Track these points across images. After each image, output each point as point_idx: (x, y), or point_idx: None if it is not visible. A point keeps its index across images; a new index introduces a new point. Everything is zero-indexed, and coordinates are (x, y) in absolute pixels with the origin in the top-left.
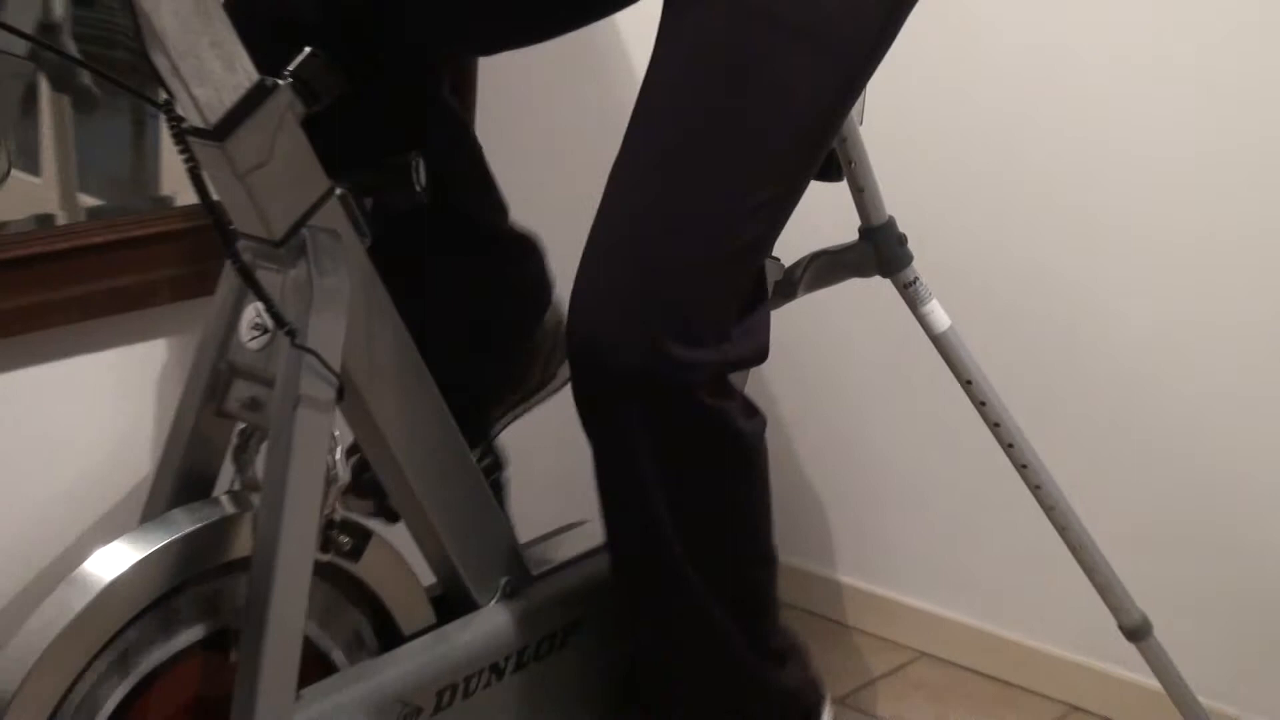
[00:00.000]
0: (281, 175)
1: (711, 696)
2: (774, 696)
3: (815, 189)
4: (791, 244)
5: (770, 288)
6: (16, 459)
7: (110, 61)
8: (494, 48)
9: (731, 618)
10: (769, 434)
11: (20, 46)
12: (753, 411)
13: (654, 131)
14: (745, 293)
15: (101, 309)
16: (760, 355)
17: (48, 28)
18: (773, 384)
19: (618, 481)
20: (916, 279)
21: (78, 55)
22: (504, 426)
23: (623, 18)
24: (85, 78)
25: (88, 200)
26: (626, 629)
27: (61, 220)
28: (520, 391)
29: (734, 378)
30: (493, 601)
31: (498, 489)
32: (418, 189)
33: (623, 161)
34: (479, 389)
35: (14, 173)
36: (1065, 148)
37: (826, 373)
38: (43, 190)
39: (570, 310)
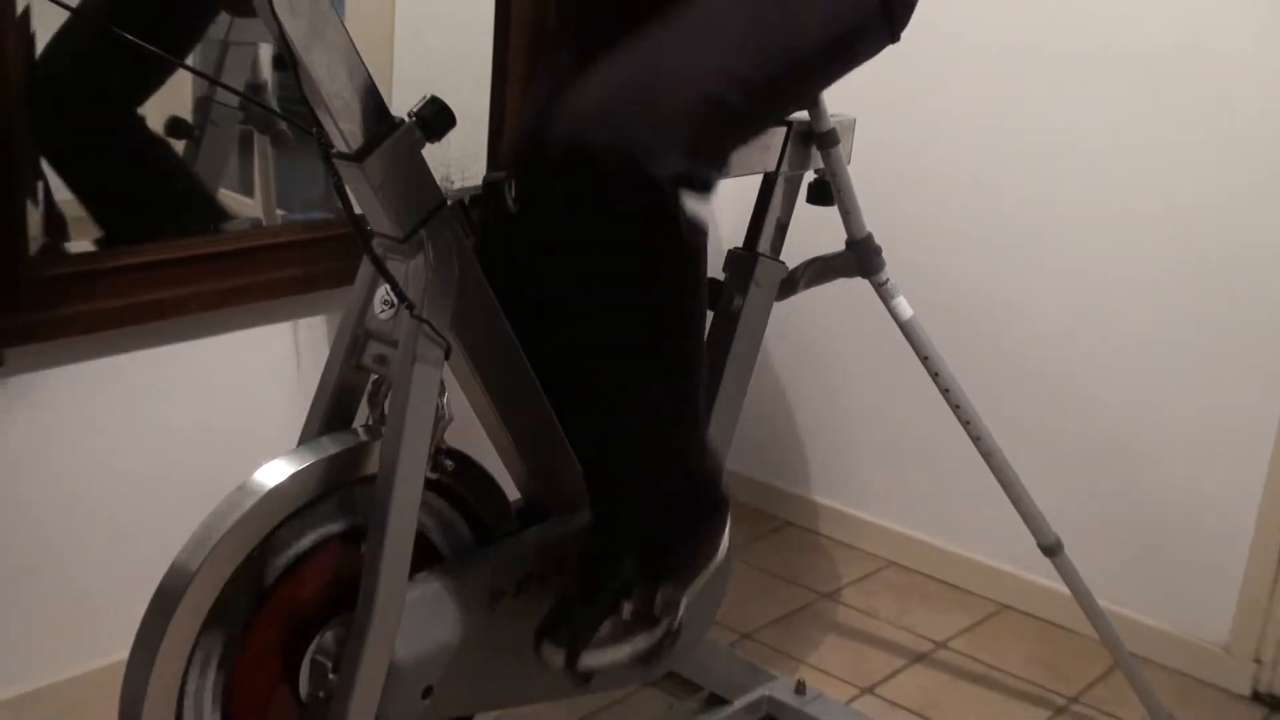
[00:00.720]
0: (405, 189)
1: (642, 451)
2: (695, 474)
3: (813, 211)
4: (795, 252)
5: (776, 282)
6: (222, 397)
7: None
8: None
9: (665, 396)
10: (772, 389)
11: (234, 99)
12: (700, 223)
13: (666, 18)
14: (714, 129)
15: (286, 290)
16: (714, 176)
17: (256, 87)
18: (776, 354)
19: (571, 258)
20: (887, 279)
21: (277, 109)
22: None
23: None
24: (280, 124)
25: (281, 212)
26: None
27: (265, 224)
28: None
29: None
30: (560, 513)
31: None
32: (510, 203)
33: (655, 23)
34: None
35: (233, 193)
36: (1004, 190)
37: (818, 346)
38: (253, 206)
39: (560, 107)
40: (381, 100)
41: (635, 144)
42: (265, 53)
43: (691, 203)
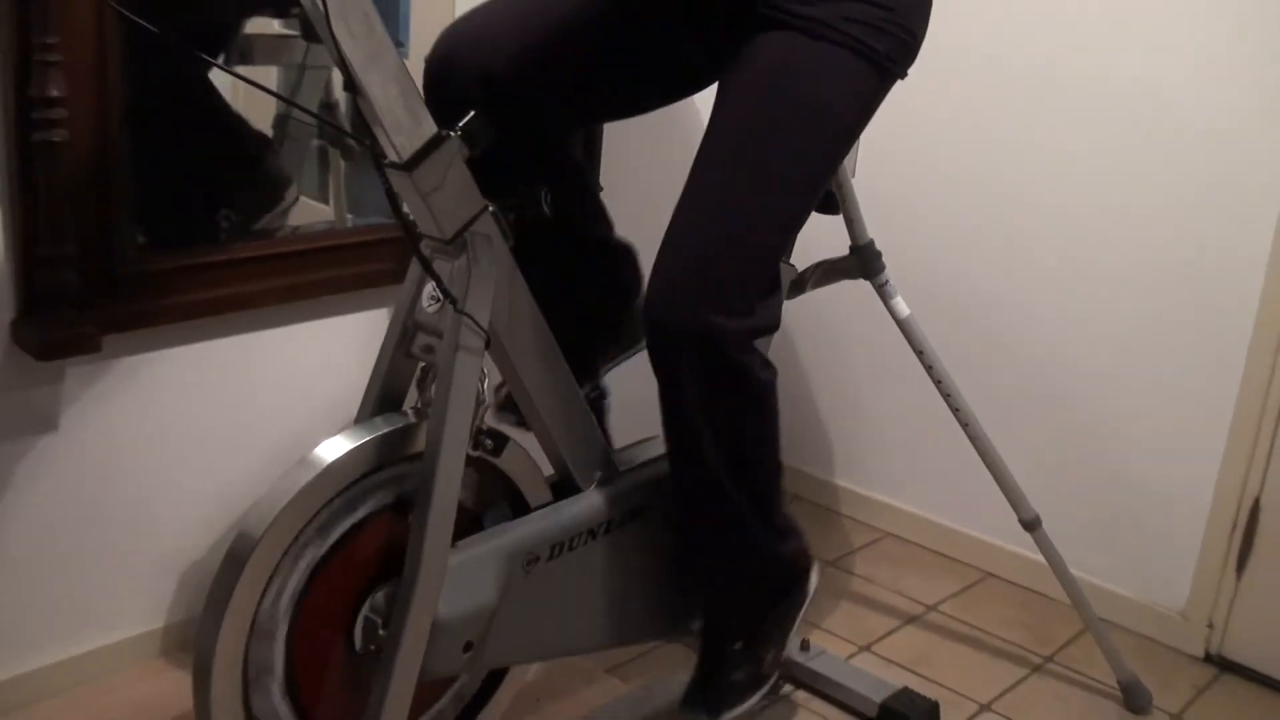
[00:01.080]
0: (451, 196)
1: (735, 561)
2: (780, 559)
3: (820, 220)
4: (803, 255)
5: (786, 285)
6: (291, 379)
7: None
8: (608, 119)
9: (750, 505)
10: (789, 381)
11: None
12: (769, 366)
13: (710, 170)
14: (767, 283)
15: (354, 285)
16: (774, 326)
17: (328, 106)
18: (795, 348)
19: (674, 409)
20: (887, 281)
21: (347, 127)
22: (607, 371)
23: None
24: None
25: (350, 218)
26: (673, 516)
27: (336, 227)
28: (617, 348)
29: (759, 343)
30: (591, 487)
31: (601, 412)
32: (545, 211)
33: (688, 189)
34: (590, 346)
35: (309, 201)
36: (991, 202)
37: (829, 341)
38: (327, 211)
39: (648, 288)
40: (429, 116)
41: (711, 326)
42: (337, 76)
43: (763, 346)
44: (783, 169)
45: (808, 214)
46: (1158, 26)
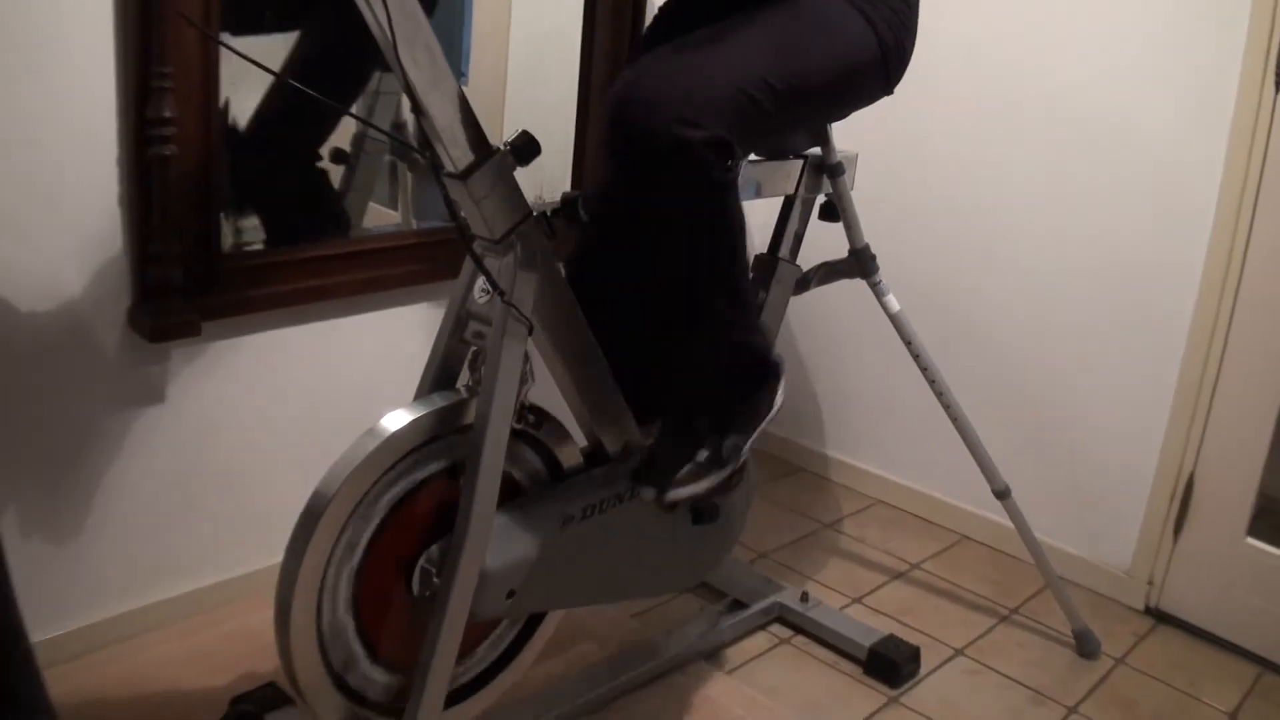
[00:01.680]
0: (500, 202)
1: (705, 336)
2: (751, 348)
3: (823, 227)
4: (807, 258)
5: (791, 284)
6: (361, 361)
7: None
8: None
9: (719, 292)
10: (790, 365)
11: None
12: (727, 170)
13: (715, 28)
14: (733, 124)
15: (416, 280)
16: (729, 155)
17: (398, 125)
18: (797, 338)
19: (641, 205)
20: (880, 280)
21: (414, 143)
22: None
23: None
24: (415, 154)
25: (414, 222)
26: (657, 309)
27: (403, 229)
28: None
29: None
30: (621, 458)
31: None
32: (582, 216)
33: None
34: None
35: (381, 207)
36: (971, 210)
37: (829, 331)
38: (396, 217)
39: (614, 88)
40: (482, 132)
41: (672, 118)
42: (405, 100)
43: (718, 162)
44: (784, 54)
45: (799, 115)
46: (1114, 68)
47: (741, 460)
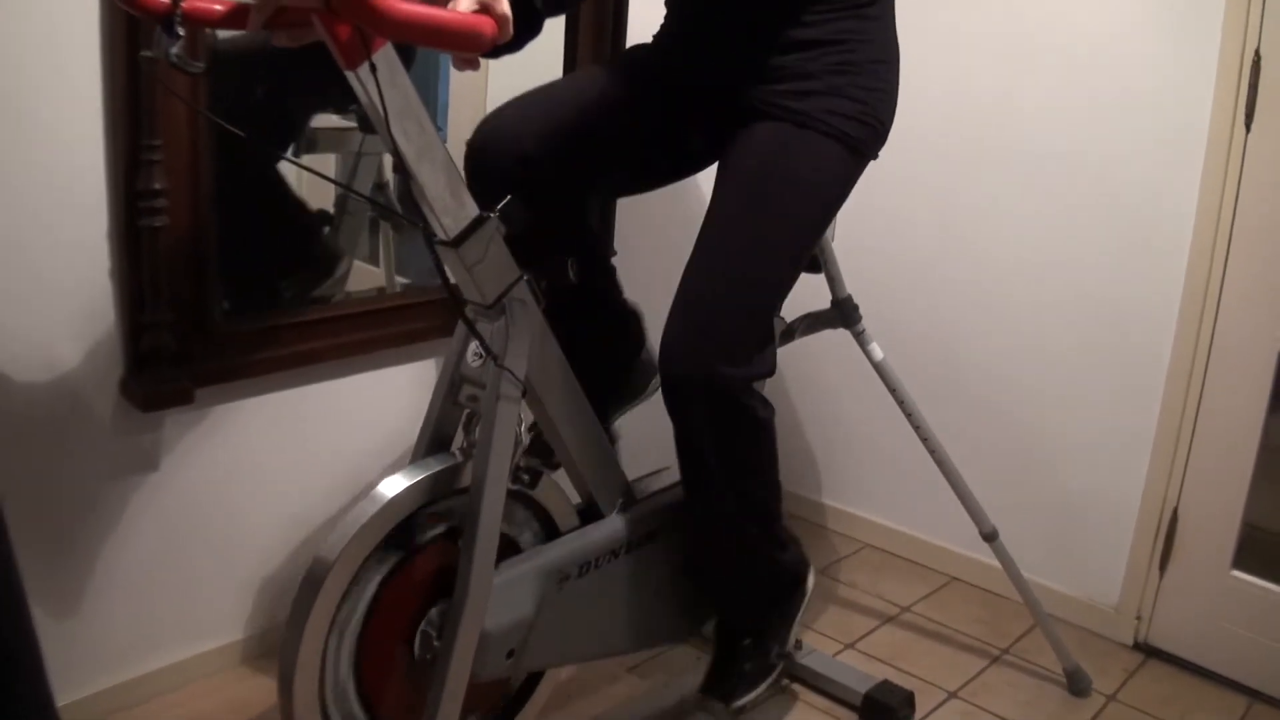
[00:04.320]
0: (491, 267)
1: (744, 571)
2: (782, 566)
3: (805, 279)
4: (792, 308)
5: (778, 334)
6: (355, 423)
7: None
8: (624, 194)
9: (754, 522)
10: (782, 415)
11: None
12: (767, 405)
13: (714, 241)
14: (763, 336)
15: (403, 340)
16: (770, 371)
17: (380, 185)
18: (788, 387)
19: (688, 445)
20: (864, 329)
21: (397, 205)
22: (619, 415)
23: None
24: (395, 204)
25: (400, 279)
26: (689, 535)
27: (387, 290)
28: (627, 396)
29: (757, 385)
30: (612, 513)
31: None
32: (571, 278)
33: (695, 257)
34: (603, 396)
35: (363, 265)
36: (950, 261)
37: (816, 380)
38: (378, 275)
39: (661, 343)
40: (472, 200)
41: (717, 374)
42: (388, 160)
43: (760, 388)
44: (775, 239)
45: (797, 276)
46: (1089, 110)
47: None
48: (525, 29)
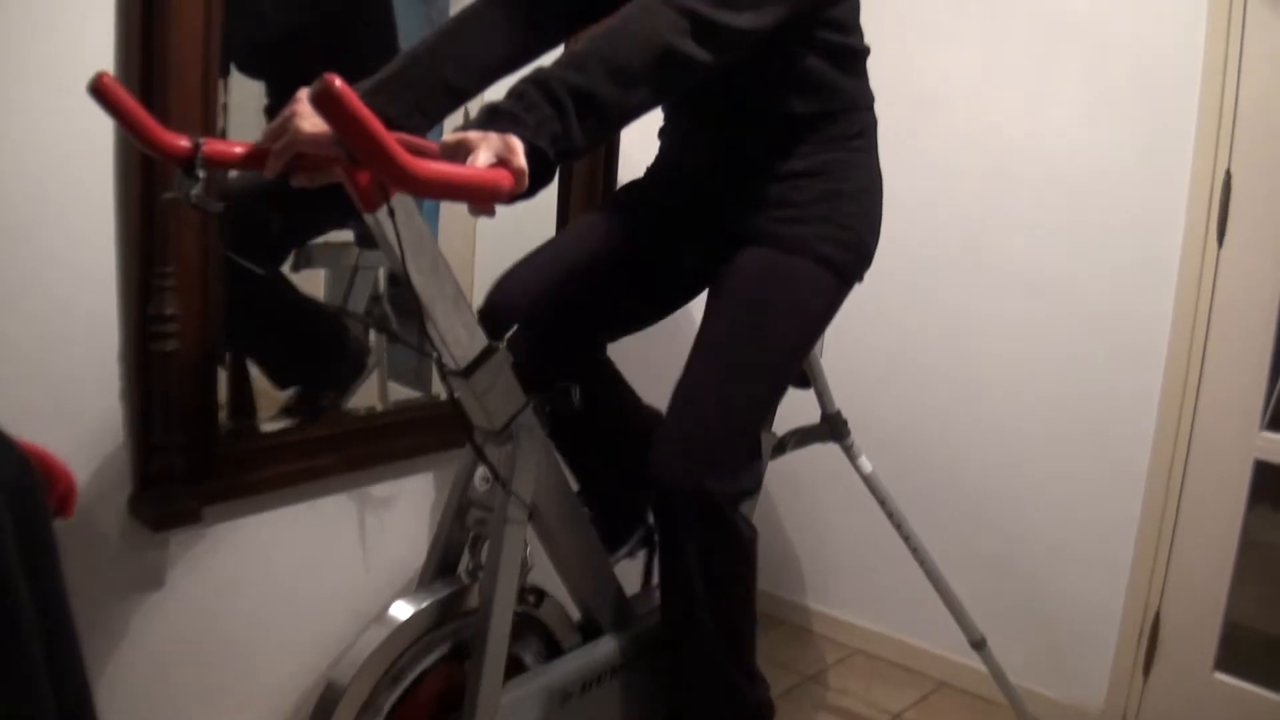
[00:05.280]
0: (500, 395)
1: (713, 700)
2: (748, 700)
3: (795, 394)
4: (783, 423)
5: (768, 450)
6: (360, 538)
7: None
8: (626, 334)
9: (727, 645)
10: (772, 521)
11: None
12: (751, 527)
13: (704, 360)
14: (750, 452)
15: (403, 455)
16: (757, 488)
17: (376, 298)
18: (778, 495)
19: (671, 557)
20: (853, 443)
21: (393, 317)
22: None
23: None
24: (392, 324)
25: (397, 388)
26: (667, 657)
27: (379, 409)
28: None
29: (744, 506)
30: (612, 632)
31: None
32: (575, 405)
33: (685, 375)
34: (613, 512)
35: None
36: (936, 376)
37: (804, 487)
38: (370, 386)
39: (651, 456)
40: (482, 333)
41: (705, 488)
42: (384, 273)
43: (747, 509)
44: (762, 361)
45: (783, 393)
46: (1064, 235)
47: None
48: (540, 177)
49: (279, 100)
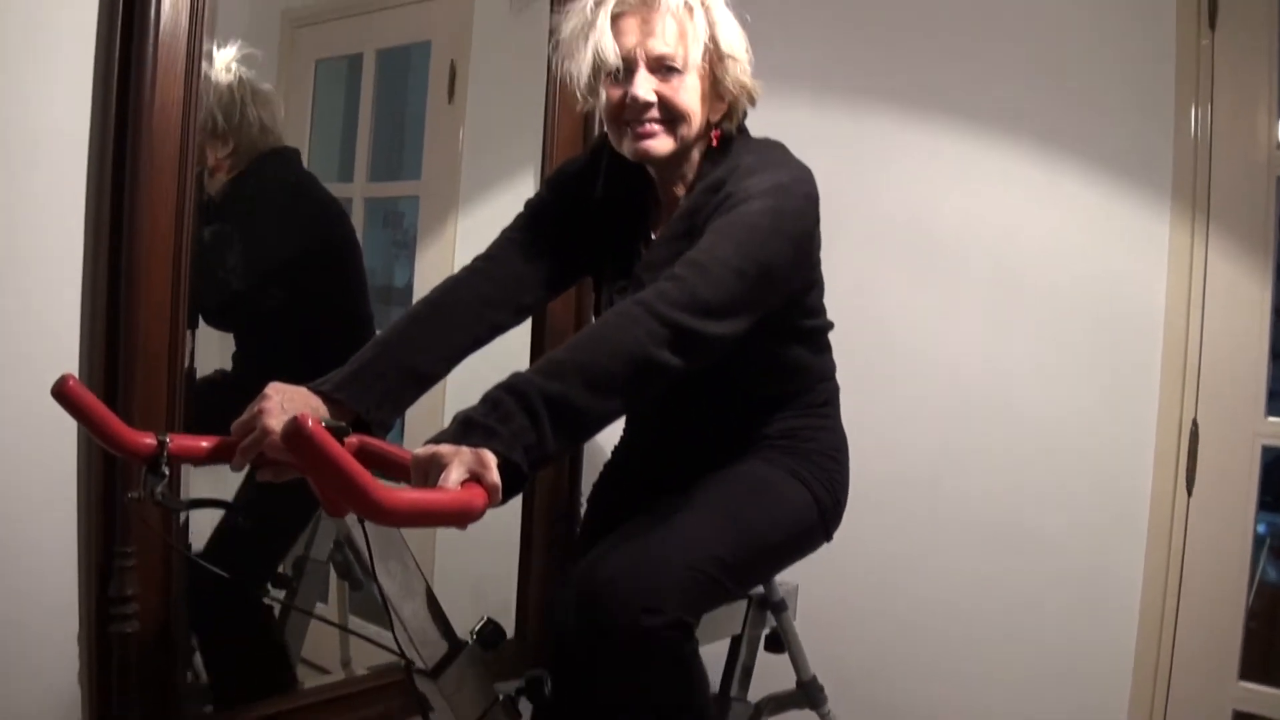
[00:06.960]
0: (469, 694)
1: None
2: None
3: (770, 658)
4: (757, 689)
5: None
6: None
7: None
8: None
9: None
10: None
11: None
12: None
13: (685, 503)
14: (690, 603)
15: None
16: (688, 634)
17: (338, 544)
18: None
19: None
20: (829, 710)
21: (356, 565)
22: None
23: None
24: (356, 571)
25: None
26: None
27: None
28: None
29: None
30: None
31: None
32: (546, 693)
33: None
34: None
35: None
36: (913, 615)
37: None
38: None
39: (577, 586)
40: (452, 629)
41: (638, 609)
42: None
43: (682, 640)
44: (732, 518)
45: (738, 589)
46: (1031, 489)
47: None
48: (512, 486)
49: (246, 350)
